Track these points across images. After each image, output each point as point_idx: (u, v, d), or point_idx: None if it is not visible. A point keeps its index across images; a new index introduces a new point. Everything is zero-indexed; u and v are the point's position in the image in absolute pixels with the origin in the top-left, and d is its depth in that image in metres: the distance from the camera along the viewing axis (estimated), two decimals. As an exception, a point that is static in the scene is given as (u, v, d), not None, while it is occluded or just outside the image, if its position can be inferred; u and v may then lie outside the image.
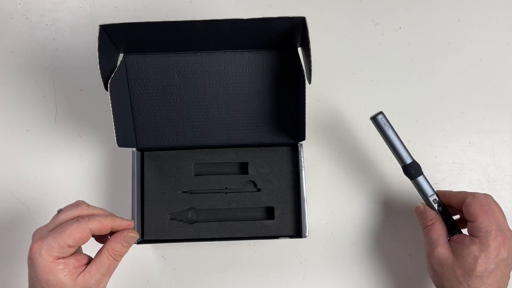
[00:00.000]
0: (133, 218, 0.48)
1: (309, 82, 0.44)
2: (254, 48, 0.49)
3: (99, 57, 0.41)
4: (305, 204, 0.50)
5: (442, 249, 0.45)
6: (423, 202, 0.49)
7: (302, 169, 0.50)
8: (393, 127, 0.47)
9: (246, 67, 0.49)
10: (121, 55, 0.48)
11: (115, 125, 0.44)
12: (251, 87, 0.50)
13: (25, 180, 0.56)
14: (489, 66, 0.57)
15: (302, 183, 0.50)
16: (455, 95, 0.57)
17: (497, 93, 0.57)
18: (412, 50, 0.58)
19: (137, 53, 0.49)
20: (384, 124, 0.47)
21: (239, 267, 0.54)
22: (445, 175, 0.55)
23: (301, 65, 0.47)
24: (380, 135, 0.48)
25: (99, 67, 0.42)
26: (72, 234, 0.39)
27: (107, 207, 0.50)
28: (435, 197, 0.48)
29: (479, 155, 0.56)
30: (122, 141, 0.46)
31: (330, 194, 0.55)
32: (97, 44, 0.41)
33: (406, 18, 0.58)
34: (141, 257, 0.54)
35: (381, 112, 0.47)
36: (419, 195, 0.56)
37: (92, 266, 0.41)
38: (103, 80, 0.43)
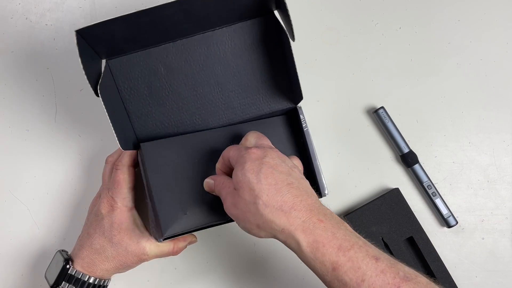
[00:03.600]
0: None
1: (293, 40, 0.43)
2: (231, 23, 0.48)
3: (82, 64, 0.40)
4: (318, 164, 0.49)
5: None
6: None
7: (307, 130, 0.49)
8: (393, 121, 0.54)
9: (228, 43, 0.48)
10: (103, 61, 0.47)
11: (114, 130, 0.43)
12: (237, 61, 0.49)
13: (25, 180, 0.56)
14: (489, 66, 0.57)
15: (311, 143, 0.48)
16: (455, 95, 0.57)
17: (497, 93, 0.57)
18: (412, 50, 0.58)
19: (118, 56, 0.48)
20: (385, 117, 0.54)
21: (239, 267, 0.54)
22: (445, 175, 0.55)
23: (281, 26, 0.46)
24: (381, 129, 0.56)
25: (84, 73, 0.40)
26: (124, 178, 0.47)
27: (107, 207, 0.50)
28: (429, 183, 0.53)
29: (479, 155, 0.56)
30: (125, 144, 0.45)
31: (330, 194, 0.55)
32: (77, 51, 0.39)
33: (406, 18, 0.58)
34: (141, 257, 0.54)
35: (382, 107, 0.54)
36: (418, 195, 0.56)
37: (154, 244, 0.48)
38: (92, 87, 0.42)
